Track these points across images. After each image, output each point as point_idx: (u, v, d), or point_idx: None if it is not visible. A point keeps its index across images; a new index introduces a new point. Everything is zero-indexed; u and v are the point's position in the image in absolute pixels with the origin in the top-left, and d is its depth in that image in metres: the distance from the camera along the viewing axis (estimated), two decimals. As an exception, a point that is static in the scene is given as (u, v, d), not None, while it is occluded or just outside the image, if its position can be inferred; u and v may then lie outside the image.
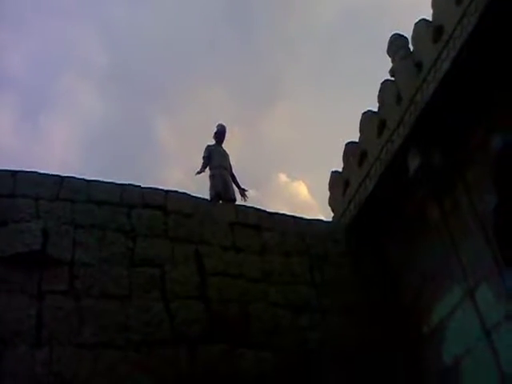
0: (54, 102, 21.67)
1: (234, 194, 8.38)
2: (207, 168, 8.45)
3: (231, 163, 8.72)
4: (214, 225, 6.61)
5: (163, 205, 6.46)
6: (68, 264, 5.50)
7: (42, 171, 6.11)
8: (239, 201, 8.41)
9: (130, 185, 6.49)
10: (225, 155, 8.67)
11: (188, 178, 20.01)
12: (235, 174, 8.71)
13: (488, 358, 5.59)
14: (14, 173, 5.92)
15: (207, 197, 7.86)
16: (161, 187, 6.70)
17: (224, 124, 8.93)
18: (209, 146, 8.69)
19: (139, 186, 6.55)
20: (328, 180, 8.35)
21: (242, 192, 8.66)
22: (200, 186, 8.83)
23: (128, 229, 6.07)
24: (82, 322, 5.20)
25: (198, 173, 8.44)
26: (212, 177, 8.33)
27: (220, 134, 8.82)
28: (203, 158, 8.53)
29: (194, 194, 6.93)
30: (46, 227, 5.57)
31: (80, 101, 21.25)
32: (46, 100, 21.77)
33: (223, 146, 8.79)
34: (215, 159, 8.48)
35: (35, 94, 21.44)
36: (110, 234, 5.92)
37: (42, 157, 20.32)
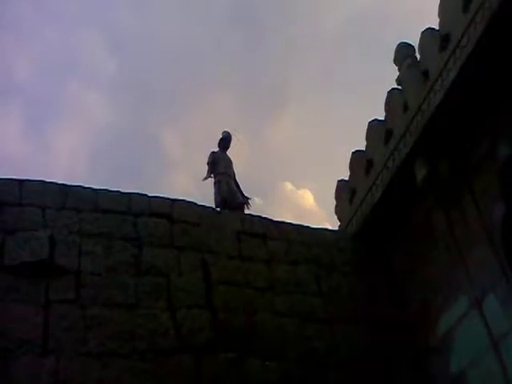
0: (60, 109, 21.68)
1: (240, 199, 8.38)
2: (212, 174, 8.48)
3: (234, 171, 8.73)
4: (220, 234, 6.60)
5: (169, 213, 6.46)
6: (75, 273, 5.50)
7: (48, 180, 6.13)
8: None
9: (136, 193, 6.49)
10: (229, 162, 8.68)
11: (193, 185, 19.99)
12: (238, 182, 8.71)
13: (495, 368, 5.56)
14: (20, 182, 5.93)
15: (212, 204, 7.87)
16: (166, 195, 6.71)
17: (230, 131, 8.96)
18: (213, 152, 8.71)
19: (145, 194, 6.56)
20: (334, 188, 8.34)
21: (246, 200, 8.65)
22: (205, 194, 8.85)
23: (134, 237, 6.07)
24: (88, 330, 5.18)
25: (205, 178, 8.46)
26: (217, 183, 8.34)
27: (226, 140, 8.83)
28: (208, 163, 8.54)
29: (199, 203, 6.93)
30: (52, 236, 5.58)
31: (86, 108, 21.32)
32: (52, 107, 21.80)
33: (227, 153, 8.82)
34: (220, 166, 8.49)
35: (41, 102, 21.45)
36: (116, 243, 5.91)
37: (48, 165, 20.38)
